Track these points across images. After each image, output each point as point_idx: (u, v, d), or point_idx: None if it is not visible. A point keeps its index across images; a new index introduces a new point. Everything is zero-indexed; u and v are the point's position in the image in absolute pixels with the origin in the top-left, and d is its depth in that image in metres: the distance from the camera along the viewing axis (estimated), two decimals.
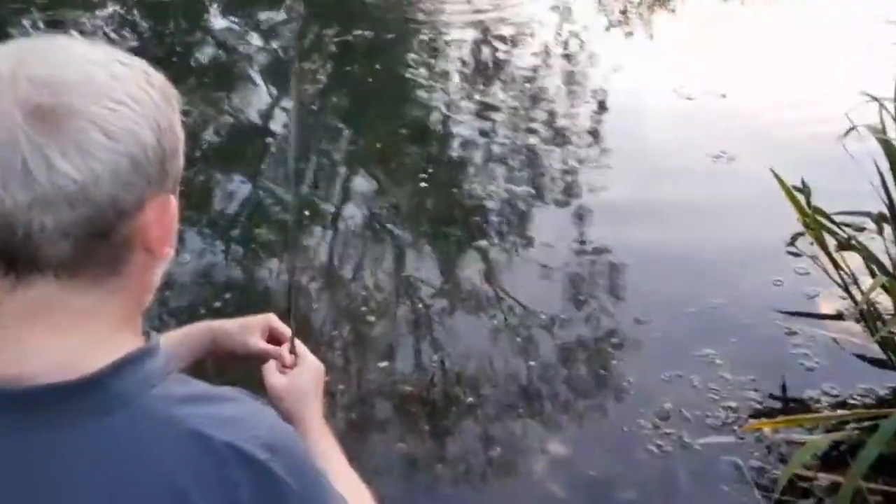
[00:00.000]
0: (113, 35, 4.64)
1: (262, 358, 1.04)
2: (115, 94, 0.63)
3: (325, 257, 3.11)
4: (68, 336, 0.66)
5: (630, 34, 5.15)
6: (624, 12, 5.38)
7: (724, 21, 5.19)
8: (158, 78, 0.68)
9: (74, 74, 0.63)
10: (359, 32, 4.81)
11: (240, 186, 3.48)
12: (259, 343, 1.07)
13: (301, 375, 1.02)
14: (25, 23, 4.73)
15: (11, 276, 0.64)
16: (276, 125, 3.92)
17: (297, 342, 1.06)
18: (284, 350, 1.04)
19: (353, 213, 3.36)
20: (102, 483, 0.64)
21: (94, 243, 0.64)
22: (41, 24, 4.70)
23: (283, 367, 1.03)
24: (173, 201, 0.69)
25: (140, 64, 0.68)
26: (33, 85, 0.61)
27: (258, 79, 4.36)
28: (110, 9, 5.05)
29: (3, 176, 0.60)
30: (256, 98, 4.20)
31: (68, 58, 0.64)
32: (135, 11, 5.09)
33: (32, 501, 0.64)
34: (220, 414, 0.68)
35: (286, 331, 1.08)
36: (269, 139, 3.83)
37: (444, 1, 5.49)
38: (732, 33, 4.89)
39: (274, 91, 4.22)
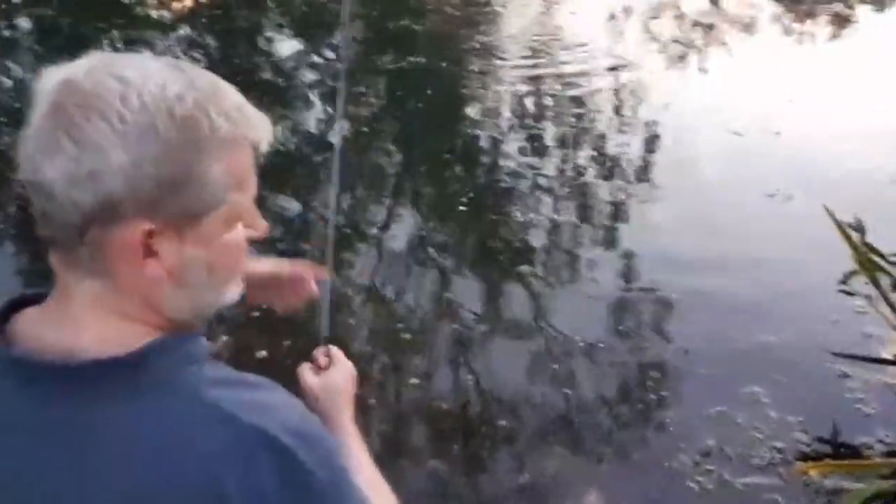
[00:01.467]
0: (181, 55, 4.82)
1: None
2: (106, 112, 0.66)
3: (366, 276, 3.15)
4: (96, 316, 0.70)
5: (683, 70, 5.12)
6: (677, 43, 5.37)
7: (779, 57, 5.12)
8: (189, 117, 0.68)
9: (94, 85, 0.67)
10: (413, 59, 4.89)
11: (289, 201, 3.57)
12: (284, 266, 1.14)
13: (335, 377, 1.04)
14: (105, 40, 4.98)
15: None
16: (327, 145, 4.01)
17: (332, 346, 1.08)
18: (319, 353, 1.07)
19: (395, 234, 3.40)
20: (140, 456, 0.67)
21: (72, 235, 0.68)
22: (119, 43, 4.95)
23: (318, 369, 1.05)
24: (164, 231, 0.69)
25: (180, 92, 0.68)
26: (67, 88, 0.68)
27: (313, 99, 4.49)
28: (181, 31, 5.29)
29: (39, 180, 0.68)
30: (311, 118, 4.31)
31: (99, 69, 0.68)
32: (203, 34, 5.30)
33: (73, 469, 0.67)
34: (252, 399, 0.70)
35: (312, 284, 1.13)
36: (319, 158, 3.92)
37: (500, 31, 5.56)
38: (788, 70, 4.82)
39: (328, 111, 4.33)
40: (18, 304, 0.73)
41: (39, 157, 0.67)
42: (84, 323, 0.70)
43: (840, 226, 2.43)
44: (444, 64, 5.02)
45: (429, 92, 4.67)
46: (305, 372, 1.04)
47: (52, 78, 0.68)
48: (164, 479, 0.66)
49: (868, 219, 2.46)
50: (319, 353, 1.07)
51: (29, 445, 0.68)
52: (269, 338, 2.67)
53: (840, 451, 2.37)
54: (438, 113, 4.52)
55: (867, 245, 2.49)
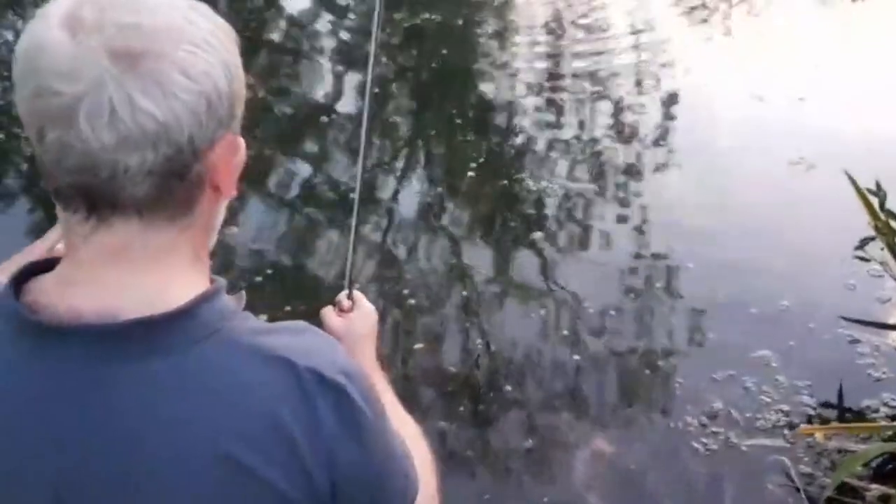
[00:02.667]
0: None
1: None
2: (193, 39, 0.66)
3: (377, 239, 3.17)
4: (147, 274, 0.68)
5: (708, 34, 5.01)
6: (703, 7, 5.25)
7: (805, 23, 5.00)
8: (223, 24, 0.70)
9: (156, 20, 0.65)
10: (427, 16, 4.83)
11: (303, 161, 3.61)
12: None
13: (358, 319, 1.06)
14: None
15: (93, 219, 0.67)
16: (341, 105, 4.02)
17: (355, 290, 1.10)
18: (343, 296, 1.09)
19: (407, 197, 3.41)
20: (197, 411, 0.66)
21: (173, 182, 0.66)
22: None
23: (341, 312, 1.08)
24: (241, 141, 0.71)
25: (206, 9, 0.70)
26: (120, 31, 0.64)
27: (328, 58, 4.47)
28: None
29: (90, 118, 0.63)
30: (325, 77, 4.30)
31: (148, 5, 0.66)
32: None
33: (126, 433, 0.66)
34: (299, 343, 0.72)
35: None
36: (334, 116, 3.94)
37: None
38: (813, 36, 4.71)
39: (342, 71, 4.33)
40: (30, 272, 0.71)
41: (138, 104, 0.63)
42: (131, 285, 0.68)
43: (860, 190, 2.41)
44: (460, 22, 4.96)
45: (444, 52, 4.63)
46: (329, 314, 1.06)
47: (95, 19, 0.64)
48: (227, 426, 0.66)
49: (891, 186, 2.44)
50: (343, 297, 1.09)
51: (71, 412, 0.66)
52: (270, 302, 2.73)
53: (846, 414, 2.38)
54: (452, 73, 4.47)
55: (887, 211, 2.47)
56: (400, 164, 3.69)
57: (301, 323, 0.76)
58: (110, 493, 0.66)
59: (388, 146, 3.77)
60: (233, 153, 0.70)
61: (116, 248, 0.68)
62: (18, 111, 0.66)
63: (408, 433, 0.84)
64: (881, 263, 2.74)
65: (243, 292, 0.75)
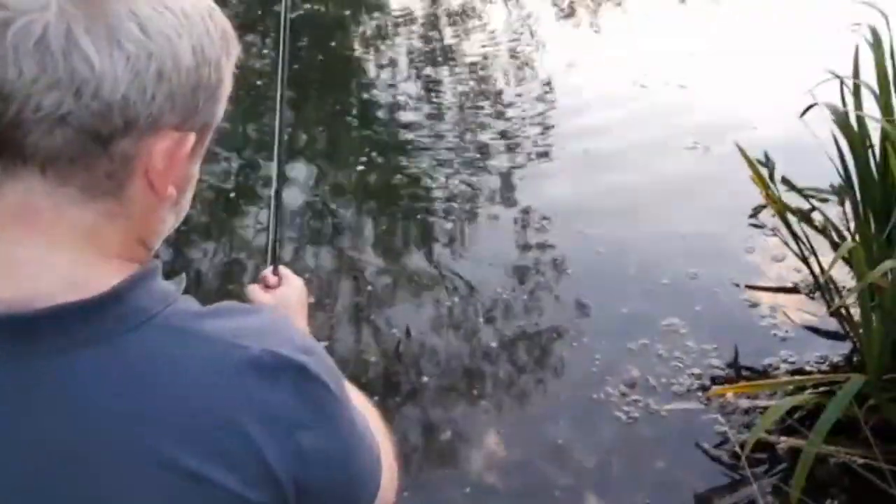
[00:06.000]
0: None
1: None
2: (169, 3, 0.60)
3: (262, 237, 3.12)
4: (64, 252, 0.60)
5: (579, 26, 5.11)
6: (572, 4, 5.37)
7: (669, 13, 5.22)
8: (222, 19, 0.65)
9: None
10: (309, 6, 4.72)
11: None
12: None
13: (286, 293, 1.04)
14: None
15: None
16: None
17: (280, 265, 1.09)
18: (268, 271, 1.08)
19: (294, 193, 3.36)
20: (135, 411, 0.58)
21: (90, 147, 0.58)
22: None
23: (267, 288, 1.05)
24: (191, 141, 0.63)
25: (207, 3, 0.64)
26: None
27: None
28: None
29: (16, 38, 0.56)
30: None
31: None
32: None
33: (56, 432, 0.58)
34: (247, 325, 0.65)
35: None
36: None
37: None
38: (680, 24, 4.93)
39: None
40: None
41: (76, 40, 0.56)
42: (47, 264, 0.60)
43: (751, 162, 2.55)
44: (347, 12, 4.89)
45: (332, 44, 4.55)
46: (256, 291, 1.03)
47: None
48: (171, 426, 0.59)
49: (780, 156, 2.61)
50: (268, 272, 1.07)
51: None
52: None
53: (750, 373, 2.54)
54: (337, 66, 4.41)
55: (783, 178, 2.63)
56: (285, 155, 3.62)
57: (245, 305, 0.70)
58: None
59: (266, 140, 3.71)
60: (179, 151, 0.63)
61: (24, 210, 0.59)
62: None
63: (360, 402, 0.79)
64: (772, 230, 2.93)
65: (183, 275, 0.67)
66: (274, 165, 1.17)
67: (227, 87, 0.66)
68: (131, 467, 0.58)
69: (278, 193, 1.18)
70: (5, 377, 0.58)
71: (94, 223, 0.61)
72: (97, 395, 0.58)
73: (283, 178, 1.21)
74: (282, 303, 1.01)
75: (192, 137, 0.63)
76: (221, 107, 0.66)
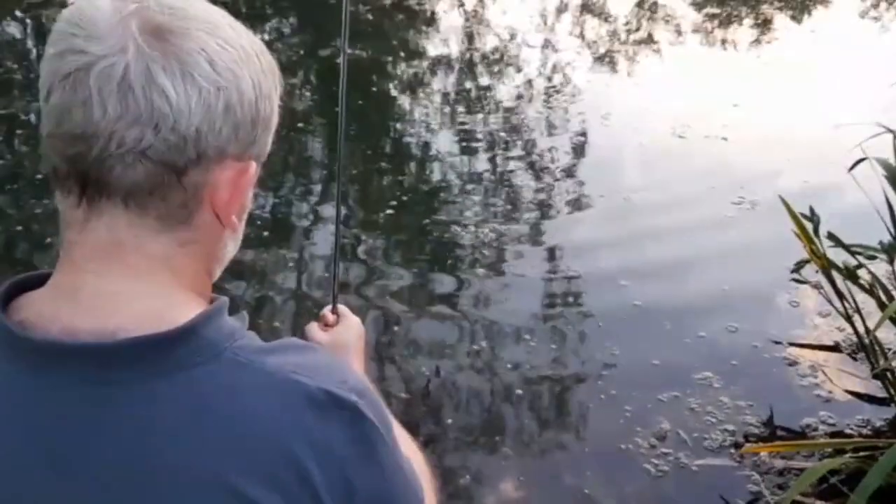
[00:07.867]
0: None
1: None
2: (229, 39, 0.63)
3: (294, 274, 3.14)
4: (146, 286, 0.64)
5: (618, 75, 5.03)
6: (610, 50, 5.35)
7: (712, 62, 5.19)
8: (269, 58, 0.68)
9: (198, 9, 0.64)
10: (351, 51, 4.81)
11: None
12: None
13: (343, 333, 1.04)
14: None
15: (84, 204, 0.63)
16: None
17: (339, 304, 1.09)
18: (327, 310, 1.08)
19: (324, 233, 3.38)
20: (202, 438, 0.62)
21: (167, 178, 0.62)
22: None
23: (325, 327, 1.05)
24: (253, 170, 0.67)
25: (258, 41, 0.68)
26: (160, 7, 0.62)
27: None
28: None
29: (99, 80, 0.59)
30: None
31: None
32: None
33: (126, 460, 0.61)
34: (306, 362, 0.68)
35: None
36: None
37: (440, 20, 5.55)
38: (722, 74, 4.90)
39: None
40: (19, 287, 0.66)
41: (154, 77, 0.59)
42: (130, 295, 0.64)
43: (795, 216, 2.49)
44: (388, 58, 4.97)
45: (374, 89, 4.62)
46: (314, 329, 1.04)
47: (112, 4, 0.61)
48: (233, 455, 0.62)
49: (826, 211, 2.55)
50: (327, 311, 1.07)
51: (69, 436, 0.62)
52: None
53: (786, 433, 2.45)
54: (376, 110, 4.46)
55: (829, 234, 2.56)
56: (316, 198, 3.67)
57: (303, 342, 0.73)
58: None
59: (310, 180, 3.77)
60: (242, 180, 0.66)
61: (108, 244, 0.63)
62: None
63: (407, 445, 0.82)
64: (815, 286, 2.85)
65: (245, 312, 0.70)
66: (336, 206, 1.18)
67: (275, 119, 0.70)
68: (196, 492, 0.61)
69: (340, 235, 1.18)
70: (85, 401, 0.62)
71: (171, 252, 0.65)
72: (169, 422, 0.62)
73: (339, 223, 1.21)
74: (338, 342, 1.02)
75: (254, 167, 0.67)
76: (271, 138, 0.70)
